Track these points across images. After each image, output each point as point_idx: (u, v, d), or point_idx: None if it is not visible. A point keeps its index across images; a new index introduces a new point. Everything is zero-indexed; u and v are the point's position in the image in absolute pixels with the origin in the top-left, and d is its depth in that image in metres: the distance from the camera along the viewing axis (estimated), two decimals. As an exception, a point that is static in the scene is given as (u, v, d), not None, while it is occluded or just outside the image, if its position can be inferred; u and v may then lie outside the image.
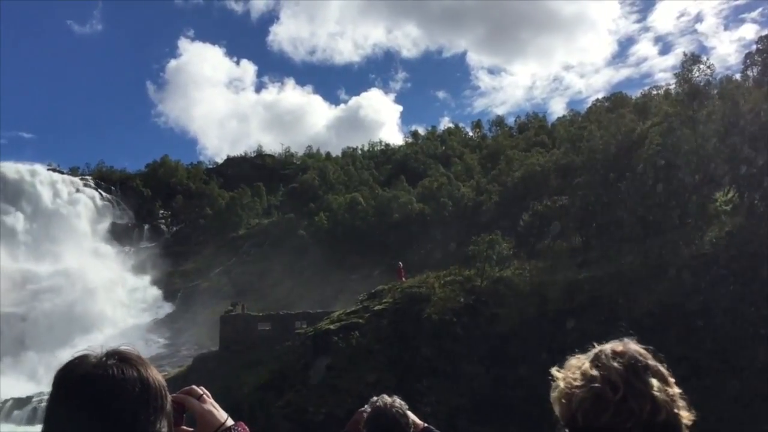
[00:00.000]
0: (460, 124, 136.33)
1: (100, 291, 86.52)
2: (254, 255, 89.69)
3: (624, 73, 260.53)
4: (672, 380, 1.78)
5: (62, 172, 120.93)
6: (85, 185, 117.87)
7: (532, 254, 47.66)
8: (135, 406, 1.57)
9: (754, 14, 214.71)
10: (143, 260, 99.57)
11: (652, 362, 1.79)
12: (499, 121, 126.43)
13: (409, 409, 3.37)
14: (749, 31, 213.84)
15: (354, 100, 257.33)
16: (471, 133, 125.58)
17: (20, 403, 55.49)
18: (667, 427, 1.70)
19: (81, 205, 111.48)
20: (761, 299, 33.64)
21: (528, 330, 38.92)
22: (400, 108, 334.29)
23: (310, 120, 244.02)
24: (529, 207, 53.37)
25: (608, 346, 1.84)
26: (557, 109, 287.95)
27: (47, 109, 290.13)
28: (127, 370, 1.60)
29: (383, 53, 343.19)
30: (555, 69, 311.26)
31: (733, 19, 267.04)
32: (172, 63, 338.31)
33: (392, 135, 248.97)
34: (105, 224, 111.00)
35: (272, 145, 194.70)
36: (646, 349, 1.83)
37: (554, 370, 1.87)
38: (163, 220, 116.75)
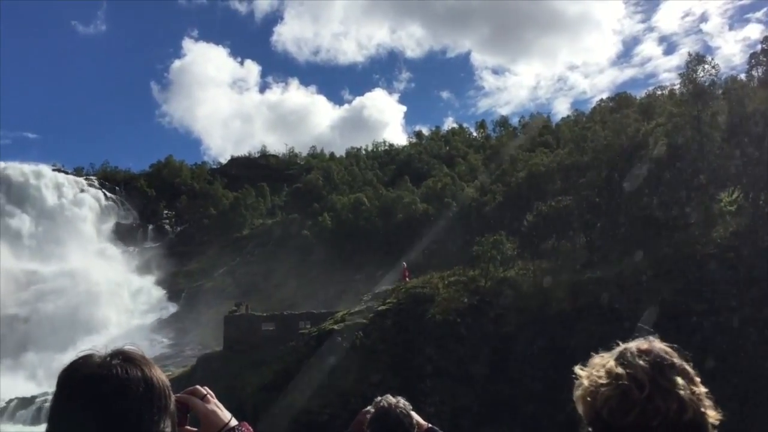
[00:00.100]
0: (464, 125, 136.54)
1: (104, 291, 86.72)
2: (258, 255, 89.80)
3: (628, 73, 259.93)
4: (698, 379, 1.77)
5: (67, 173, 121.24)
6: (90, 185, 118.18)
7: (536, 255, 47.61)
8: (139, 405, 1.57)
9: (759, 14, 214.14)
10: (147, 260, 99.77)
11: (677, 361, 1.78)
12: (503, 122, 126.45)
13: (412, 410, 3.36)
14: (754, 31, 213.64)
15: (358, 101, 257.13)
16: (475, 134, 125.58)
17: (24, 402, 55.66)
18: (693, 426, 1.69)
19: (85, 205, 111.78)
20: (767, 300, 33.59)
21: (532, 330, 38.90)
22: (404, 108, 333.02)
23: (314, 120, 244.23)
24: (533, 207, 53.27)
25: (633, 344, 1.83)
26: (561, 109, 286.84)
27: (52, 110, 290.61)
28: (132, 370, 1.60)
29: (387, 53, 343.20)
30: (559, 69, 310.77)
31: (738, 19, 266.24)
32: (176, 63, 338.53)
33: (396, 135, 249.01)
34: (109, 224, 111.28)
35: (276, 145, 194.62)
36: (671, 348, 1.82)
37: (577, 369, 1.86)
38: (168, 221, 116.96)
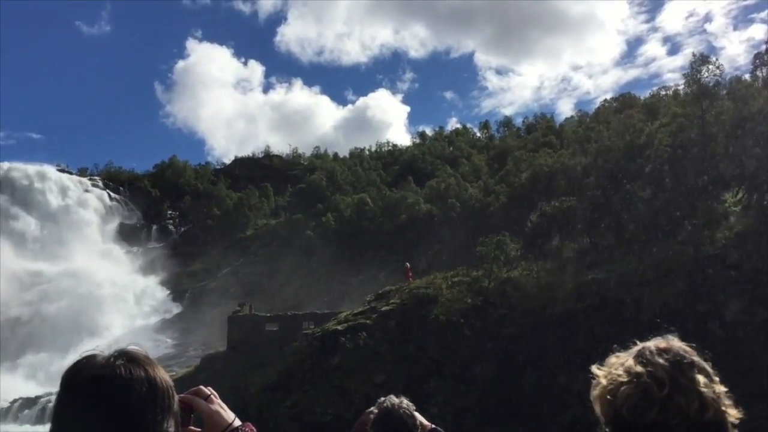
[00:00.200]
0: (468, 125, 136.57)
1: (108, 291, 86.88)
2: (262, 255, 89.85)
3: (632, 73, 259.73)
4: (717, 378, 1.77)
5: (71, 173, 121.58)
6: (94, 186, 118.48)
7: (539, 255, 47.56)
8: (143, 405, 1.57)
9: (764, 14, 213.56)
10: (151, 261, 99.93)
11: (697, 359, 1.78)
12: (507, 122, 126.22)
13: (416, 410, 3.36)
14: (759, 31, 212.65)
15: (361, 101, 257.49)
16: (479, 134, 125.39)
17: (28, 402, 55.80)
18: (714, 424, 1.69)
19: (90, 205, 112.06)
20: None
21: (535, 331, 38.87)
22: (407, 108, 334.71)
23: (317, 120, 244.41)
24: (537, 208, 53.24)
25: (651, 343, 1.82)
26: (565, 109, 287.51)
27: (56, 110, 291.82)
28: (135, 370, 1.60)
29: (391, 54, 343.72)
30: (563, 69, 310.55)
31: (742, 19, 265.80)
32: (180, 64, 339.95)
33: (400, 136, 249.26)
34: (113, 225, 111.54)
35: (280, 145, 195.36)
36: (690, 347, 1.82)
37: (595, 368, 1.86)
38: (171, 221, 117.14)
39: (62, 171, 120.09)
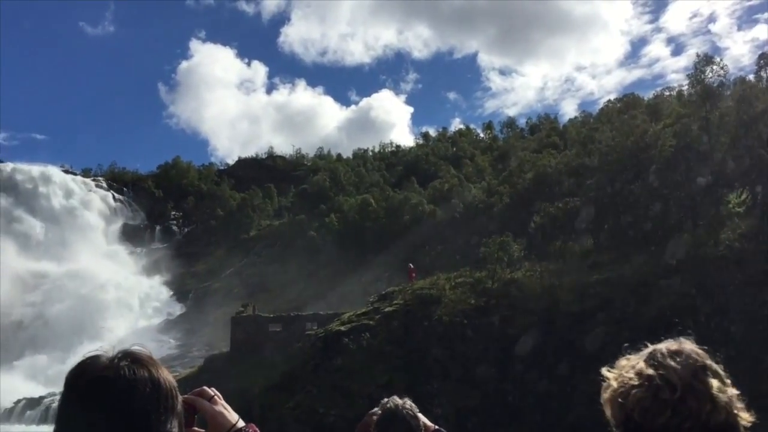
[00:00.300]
0: (471, 126, 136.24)
1: (111, 292, 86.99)
2: (265, 256, 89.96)
3: (636, 74, 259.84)
4: (729, 381, 1.75)
5: (75, 174, 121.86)
6: (98, 186, 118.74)
7: (543, 256, 47.51)
8: (146, 406, 1.58)
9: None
10: (155, 261, 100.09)
11: (709, 362, 1.76)
12: (511, 123, 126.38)
13: (419, 411, 3.36)
14: (763, 32, 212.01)
15: (365, 102, 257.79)
16: (482, 135, 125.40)
17: (32, 403, 55.88)
18: (726, 428, 1.68)
19: (94, 206, 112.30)
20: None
21: (539, 332, 38.82)
22: (411, 109, 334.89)
23: (320, 121, 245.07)
24: (540, 209, 53.21)
25: (663, 346, 1.81)
26: (569, 110, 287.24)
27: (60, 111, 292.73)
28: (139, 371, 1.60)
29: (394, 54, 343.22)
30: (567, 70, 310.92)
31: (746, 19, 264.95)
32: (184, 64, 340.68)
33: (403, 136, 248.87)
34: (117, 225, 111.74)
35: (283, 146, 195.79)
36: (702, 349, 1.80)
37: (605, 371, 1.84)
38: (175, 221, 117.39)
39: (66, 172, 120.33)
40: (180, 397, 1.69)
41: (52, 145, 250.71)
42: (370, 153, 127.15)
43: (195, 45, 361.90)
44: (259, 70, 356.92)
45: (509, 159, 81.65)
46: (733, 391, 1.73)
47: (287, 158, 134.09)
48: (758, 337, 33.04)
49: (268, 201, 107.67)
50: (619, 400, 1.76)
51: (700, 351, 1.79)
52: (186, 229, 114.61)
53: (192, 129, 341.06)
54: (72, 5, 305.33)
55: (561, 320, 38.80)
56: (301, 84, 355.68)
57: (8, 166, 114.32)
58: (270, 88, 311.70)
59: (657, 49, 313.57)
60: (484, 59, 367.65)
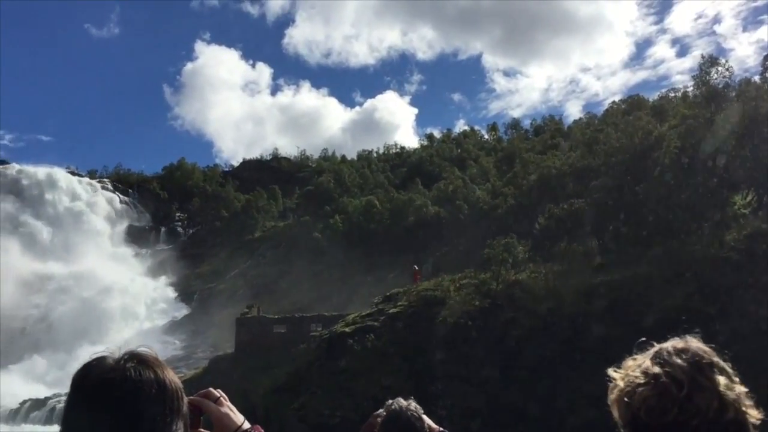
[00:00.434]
0: (476, 127, 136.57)
1: (116, 293, 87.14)
2: (270, 257, 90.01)
3: (641, 75, 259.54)
4: (737, 378, 1.75)
5: (81, 175, 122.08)
6: (103, 188, 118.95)
7: (548, 258, 47.43)
8: (152, 407, 1.58)
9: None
10: (160, 262, 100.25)
11: (716, 359, 1.76)
12: (515, 124, 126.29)
13: (424, 413, 3.36)
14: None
15: (369, 103, 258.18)
16: (486, 136, 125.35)
17: (38, 404, 56.03)
18: (734, 425, 1.67)
19: (99, 208, 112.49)
20: (781, 303, 33.30)
21: (544, 334, 38.75)
22: (415, 110, 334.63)
23: (325, 123, 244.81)
24: (545, 210, 53.12)
25: (669, 344, 1.80)
26: (573, 111, 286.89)
27: (65, 112, 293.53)
28: (144, 372, 1.61)
29: (398, 55, 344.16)
30: (571, 71, 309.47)
31: (751, 20, 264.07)
32: (189, 66, 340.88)
33: (407, 138, 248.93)
34: (122, 227, 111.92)
35: (288, 147, 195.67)
36: (709, 347, 1.80)
37: (611, 371, 1.84)
38: (180, 223, 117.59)
39: (72, 173, 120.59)
40: (186, 399, 1.70)
41: (57, 146, 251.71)
42: (375, 154, 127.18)
43: (200, 47, 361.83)
44: (264, 72, 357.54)
45: (514, 160, 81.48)
46: (741, 389, 1.73)
47: (292, 160, 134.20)
48: (763, 339, 32.90)
49: (272, 202, 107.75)
50: (626, 399, 1.75)
51: (706, 348, 1.79)
52: (191, 231, 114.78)
53: (197, 130, 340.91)
54: (77, 7, 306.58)
55: (566, 322, 38.73)
56: (306, 85, 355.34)
57: (14, 168, 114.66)
58: (274, 90, 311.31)
59: (662, 50, 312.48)
60: (489, 60, 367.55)
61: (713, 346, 1.80)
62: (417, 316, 42.14)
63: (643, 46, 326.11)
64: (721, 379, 1.70)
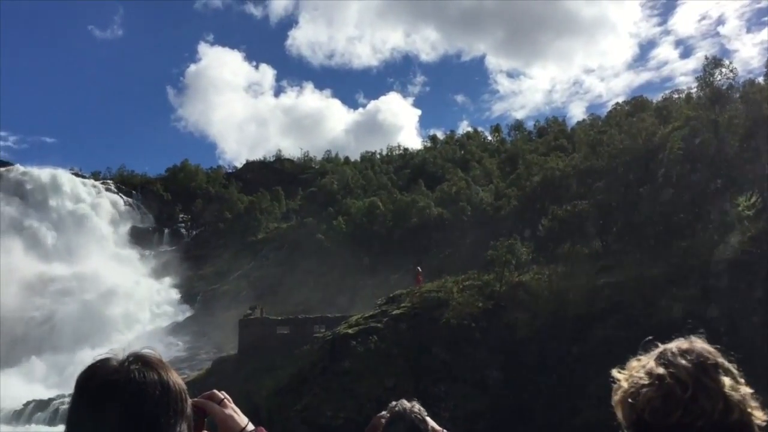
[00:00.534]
0: (479, 128, 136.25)
1: (120, 294, 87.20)
2: (273, 259, 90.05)
3: (645, 76, 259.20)
4: (742, 380, 1.73)
5: (84, 177, 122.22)
6: (107, 189, 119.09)
7: (551, 259, 47.39)
8: (156, 409, 1.59)
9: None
10: (163, 264, 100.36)
11: (721, 360, 1.75)
12: (518, 125, 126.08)
13: (428, 415, 3.35)
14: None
15: (372, 104, 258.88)
16: (490, 138, 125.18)
17: (41, 405, 56.10)
18: (739, 426, 1.66)
19: (103, 209, 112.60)
20: (785, 305, 33.21)
21: (547, 335, 38.72)
22: (418, 112, 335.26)
23: (328, 124, 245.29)
24: (548, 211, 53.07)
25: (673, 344, 1.79)
26: (577, 113, 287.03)
27: (69, 114, 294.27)
28: (149, 374, 1.61)
29: (402, 57, 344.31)
30: (575, 72, 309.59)
31: (756, 21, 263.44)
32: (192, 67, 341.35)
33: (411, 139, 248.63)
34: (126, 228, 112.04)
35: (291, 149, 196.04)
36: (714, 348, 1.79)
37: (615, 372, 1.83)
38: (183, 224, 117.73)
39: (76, 175, 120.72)
40: (189, 401, 1.70)
41: (61, 148, 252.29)
42: (378, 156, 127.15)
43: (203, 48, 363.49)
44: (267, 73, 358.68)
45: (517, 162, 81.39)
46: (746, 390, 1.71)
47: (295, 161, 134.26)
48: (767, 342, 32.82)
49: (275, 204, 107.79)
50: (630, 400, 1.74)
51: (711, 349, 1.77)
52: (194, 232, 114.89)
53: (200, 132, 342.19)
54: (81, 9, 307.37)
55: (569, 323, 38.68)
56: (309, 87, 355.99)
57: (18, 170, 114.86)
58: (278, 91, 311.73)
59: (665, 51, 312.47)
60: (492, 62, 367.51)
61: (718, 347, 1.79)
62: (420, 318, 42.12)
63: (646, 47, 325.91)
64: (726, 380, 1.69)
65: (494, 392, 38.01)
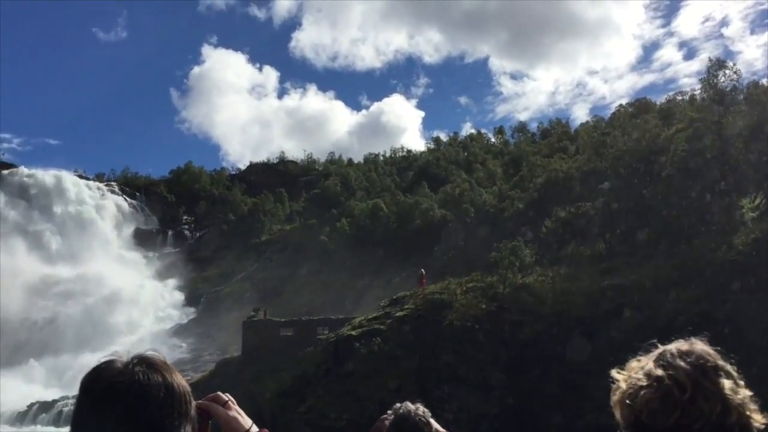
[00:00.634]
0: (483, 130, 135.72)
1: (124, 296, 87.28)
2: (276, 261, 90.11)
3: (648, 78, 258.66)
4: (742, 382, 1.73)
5: (88, 179, 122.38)
6: (111, 191, 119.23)
7: (555, 261, 47.35)
8: (160, 411, 1.59)
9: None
10: (167, 266, 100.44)
11: (721, 362, 1.74)
12: (522, 127, 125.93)
13: (432, 417, 3.35)
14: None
15: (376, 106, 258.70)
16: (493, 139, 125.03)
17: (45, 406, 56.19)
18: (738, 429, 1.65)
19: (107, 211, 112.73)
20: (789, 307, 33.11)
21: (551, 337, 38.68)
22: (422, 114, 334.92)
23: (332, 126, 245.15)
24: (552, 213, 53.03)
25: (672, 346, 1.78)
26: (580, 114, 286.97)
27: (73, 116, 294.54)
28: (153, 376, 1.61)
29: (405, 59, 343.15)
30: (578, 74, 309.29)
31: (759, 23, 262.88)
32: (196, 69, 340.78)
33: (414, 141, 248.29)
34: (130, 230, 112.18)
35: (294, 151, 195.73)
36: (714, 350, 1.78)
37: (614, 372, 1.82)
38: (187, 226, 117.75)
39: (79, 177, 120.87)
40: (194, 403, 1.70)
41: (65, 150, 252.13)
42: (381, 157, 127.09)
43: (207, 50, 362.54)
44: (271, 75, 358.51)
45: (521, 164, 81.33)
46: (746, 392, 1.71)
47: (298, 163, 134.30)
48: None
49: (279, 205, 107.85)
50: (628, 401, 1.74)
51: (711, 351, 1.77)
52: (198, 234, 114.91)
53: (204, 134, 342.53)
54: (85, 10, 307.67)
55: (573, 325, 38.64)
56: (312, 89, 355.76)
57: (22, 172, 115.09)
58: (281, 93, 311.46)
59: (669, 53, 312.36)
60: (495, 63, 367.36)
61: (719, 348, 1.79)
62: (424, 320, 42.09)
63: (650, 49, 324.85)
64: (726, 383, 1.69)
65: (498, 394, 37.97)
